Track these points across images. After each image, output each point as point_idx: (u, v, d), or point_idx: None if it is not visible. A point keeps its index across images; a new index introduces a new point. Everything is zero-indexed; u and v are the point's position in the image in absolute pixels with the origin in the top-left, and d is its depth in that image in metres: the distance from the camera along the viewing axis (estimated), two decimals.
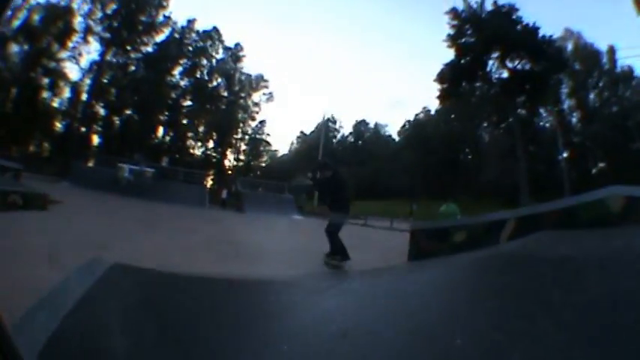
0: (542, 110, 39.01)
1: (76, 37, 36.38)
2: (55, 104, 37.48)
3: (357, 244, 8.25)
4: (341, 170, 8.21)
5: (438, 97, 36.87)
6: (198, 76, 43.82)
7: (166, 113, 42.94)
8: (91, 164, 28.79)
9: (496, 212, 7.73)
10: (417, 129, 48.93)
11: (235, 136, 47.24)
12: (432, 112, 48.91)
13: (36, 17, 33.60)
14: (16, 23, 32.04)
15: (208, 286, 3.73)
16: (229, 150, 47.68)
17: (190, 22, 43.21)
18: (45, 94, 36.16)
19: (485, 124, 43.36)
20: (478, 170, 38.80)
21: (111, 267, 3.27)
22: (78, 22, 36.46)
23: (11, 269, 3.69)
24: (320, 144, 37.13)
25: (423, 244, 6.61)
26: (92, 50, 37.81)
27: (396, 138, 54.99)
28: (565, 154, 36.20)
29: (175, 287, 3.46)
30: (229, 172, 44.58)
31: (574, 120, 40.64)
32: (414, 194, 38.45)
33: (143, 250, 6.03)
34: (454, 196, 32.61)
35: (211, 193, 29.96)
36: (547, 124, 40.67)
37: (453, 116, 44.76)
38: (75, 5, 35.83)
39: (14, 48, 32.83)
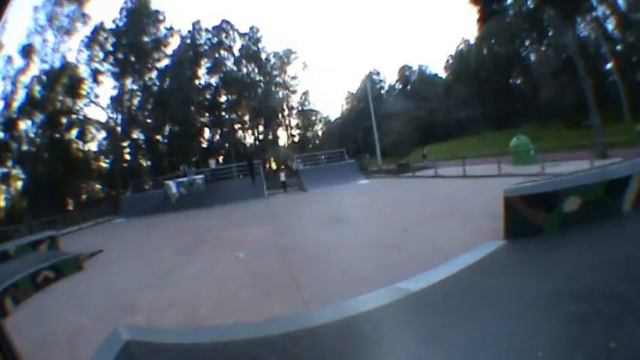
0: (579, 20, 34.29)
1: (86, 85, 36.93)
2: (94, 147, 38.78)
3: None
4: None
5: (478, 21, 33.86)
6: (225, 69, 43.57)
7: (206, 114, 43.53)
8: (143, 190, 28.89)
9: (608, 164, 6.22)
10: (462, 61, 46.00)
11: (282, 113, 47.40)
12: (471, 43, 45.91)
13: (37, 88, 34.02)
14: (16, 104, 32.80)
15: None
16: (281, 129, 48.11)
17: (195, 23, 42.95)
18: (79, 145, 37.34)
19: (527, 43, 38.94)
20: (534, 93, 35.51)
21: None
22: (83, 70, 37.03)
23: None
24: (369, 98, 35.15)
25: (523, 215, 5.08)
26: (109, 87, 38.38)
27: (443, 75, 52.68)
28: (610, 64, 32.22)
29: None
30: (285, 151, 44.74)
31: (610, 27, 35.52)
32: (477, 127, 37.06)
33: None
34: (517, 124, 31.72)
35: (271, 178, 29.88)
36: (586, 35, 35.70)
37: (493, 41, 40.79)
38: (73, 60, 36.21)
39: (25, 125, 33.68)
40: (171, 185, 23.60)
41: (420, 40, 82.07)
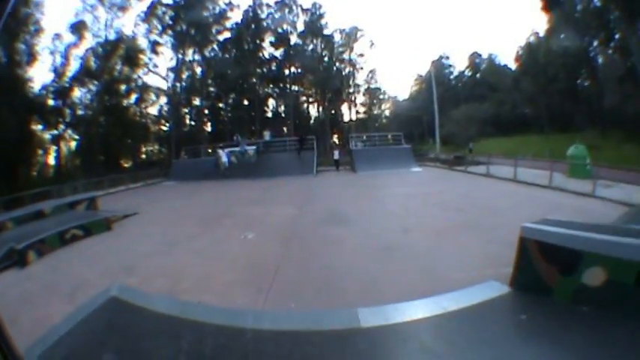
0: None
1: (145, 55, 38.46)
2: (155, 112, 40.93)
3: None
4: None
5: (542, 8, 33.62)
6: (289, 43, 43.42)
7: (271, 86, 44.11)
8: (197, 156, 29.83)
9: None
10: (531, 55, 42.22)
11: (348, 90, 46.94)
12: (541, 35, 41.80)
13: (92, 59, 35.59)
14: (70, 74, 34.58)
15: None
16: (345, 105, 47.79)
17: None
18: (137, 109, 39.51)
19: (595, 44, 35.10)
20: (599, 97, 31.96)
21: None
22: (140, 43, 38.46)
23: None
24: (432, 84, 34.34)
25: (535, 265, 3.97)
26: (169, 57, 39.82)
27: (513, 67, 48.77)
28: None
29: None
30: (346, 129, 44.41)
31: None
32: (541, 126, 35.56)
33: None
34: (581, 129, 29.27)
35: (325, 155, 29.79)
36: None
37: (562, 36, 37.32)
38: (130, 33, 37.65)
39: (79, 92, 35.55)
40: (222, 154, 23.81)
41: (493, 27, 76.04)
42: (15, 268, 7.05)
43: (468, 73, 53.06)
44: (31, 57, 31.09)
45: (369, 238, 7.45)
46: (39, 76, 37.71)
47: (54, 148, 35.48)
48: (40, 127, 33.23)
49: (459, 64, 53.92)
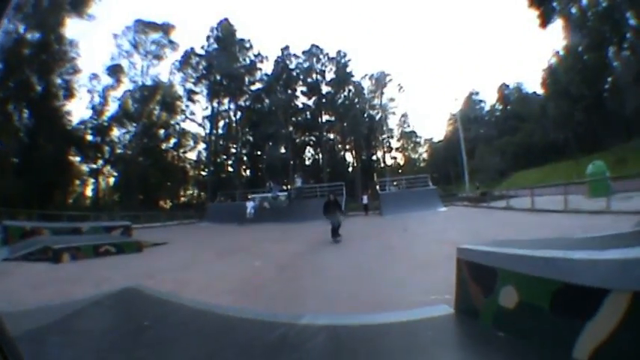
0: None
1: (182, 102, 42.16)
2: (193, 157, 44.14)
3: None
4: None
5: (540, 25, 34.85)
6: (320, 92, 45.74)
7: (306, 133, 46.49)
8: (231, 200, 32.31)
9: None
10: (553, 76, 41.61)
11: (382, 135, 48.22)
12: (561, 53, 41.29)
13: (129, 102, 39.23)
14: (108, 113, 38.36)
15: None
16: (380, 151, 48.98)
17: (284, 49, 45.83)
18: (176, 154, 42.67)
19: (613, 49, 33.81)
20: (621, 106, 31.11)
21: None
22: (177, 90, 42.12)
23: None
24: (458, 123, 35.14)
25: (466, 287, 3.45)
26: (206, 106, 43.20)
27: (541, 92, 48.34)
28: None
29: None
30: (379, 174, 45.21)
31: None
32: (571, 151, 34.32)
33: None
34: (609, 146, 28.77)
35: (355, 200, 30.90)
36: None
37: (580, 49, 36.93)
38: (165, 80, 41.34)
39: (118, 131, 38.99)
40: (248, 206, 25.34)
41: (518, 54, 77.44)
42: (49, 263, 8.77)
43: (498, 106, 53.33)
44: (69, 92, 34.34)
45: (350, 261, 8.52)
46: (77, 111, 42.98)
47: (92, 180, 38.75)
48: (77, 158, 36.41)
49: (491, 98, 54.58)
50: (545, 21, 35.21)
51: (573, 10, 34.20)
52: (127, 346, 2.96)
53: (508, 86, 52.28)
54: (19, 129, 30.51)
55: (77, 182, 38.30)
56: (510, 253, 2.98)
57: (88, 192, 40.13)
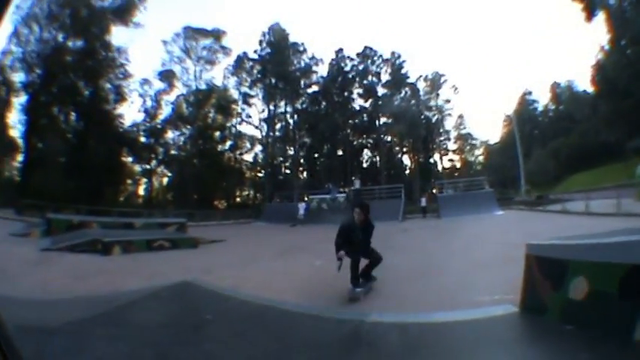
0: None
1: (237, 106, 43.07)
2: (250, 158, 45.12)
3: None
4: None
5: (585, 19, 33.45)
6: (377, 94, 45.27)
7: (364, 136, 46.38)
8: (288, 200, 32.68)
9: None
10: (601, 72, 38.07)
11: (439, 138, 47.50)
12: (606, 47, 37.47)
13: (183, 106, 40.60)
14: (161, 117, 39.79)
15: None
16: (437, 153, 48.21)
17: (339, 51, 45.49)
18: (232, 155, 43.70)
19: None
20: None
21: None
22: (231, 93, 43.01)
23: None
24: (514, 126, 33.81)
25: (534, 282, 3.57)
26: (263, 109, 43.75)
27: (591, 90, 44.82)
28: None
29: None
30: (436, 177, 44.27)
31: None
32: (622, 153, 31.97)
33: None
34: None
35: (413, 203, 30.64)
36: None
37: (623, 42, 33.43)
38: (219, 84, 42.33)
39: (172, 134, 40.34)
40: (299, 208, 26.18)
41: (569, 50, 70.76)
42: (98, 255, 8.79)
43: (551, 106, 50.84)
44: (119, 96, 36.05)
45: (412, 262, 8.12)
46: (129, 114, 44.66)
47: (144, 180, 40.58)
48: (130, 159, 38.18)
49: (544, 98, 52.05)
50: (589, 14, 33.57)
51: (612, 1, 32.14)
52: (190, 340, 2.92)
53: (560, 84, 49.60)
54: (67, 131, 32.37)
55: (129, 181, 40.30)
56: (582, 243, 3.22)
57: (141, 191, 42.17)
